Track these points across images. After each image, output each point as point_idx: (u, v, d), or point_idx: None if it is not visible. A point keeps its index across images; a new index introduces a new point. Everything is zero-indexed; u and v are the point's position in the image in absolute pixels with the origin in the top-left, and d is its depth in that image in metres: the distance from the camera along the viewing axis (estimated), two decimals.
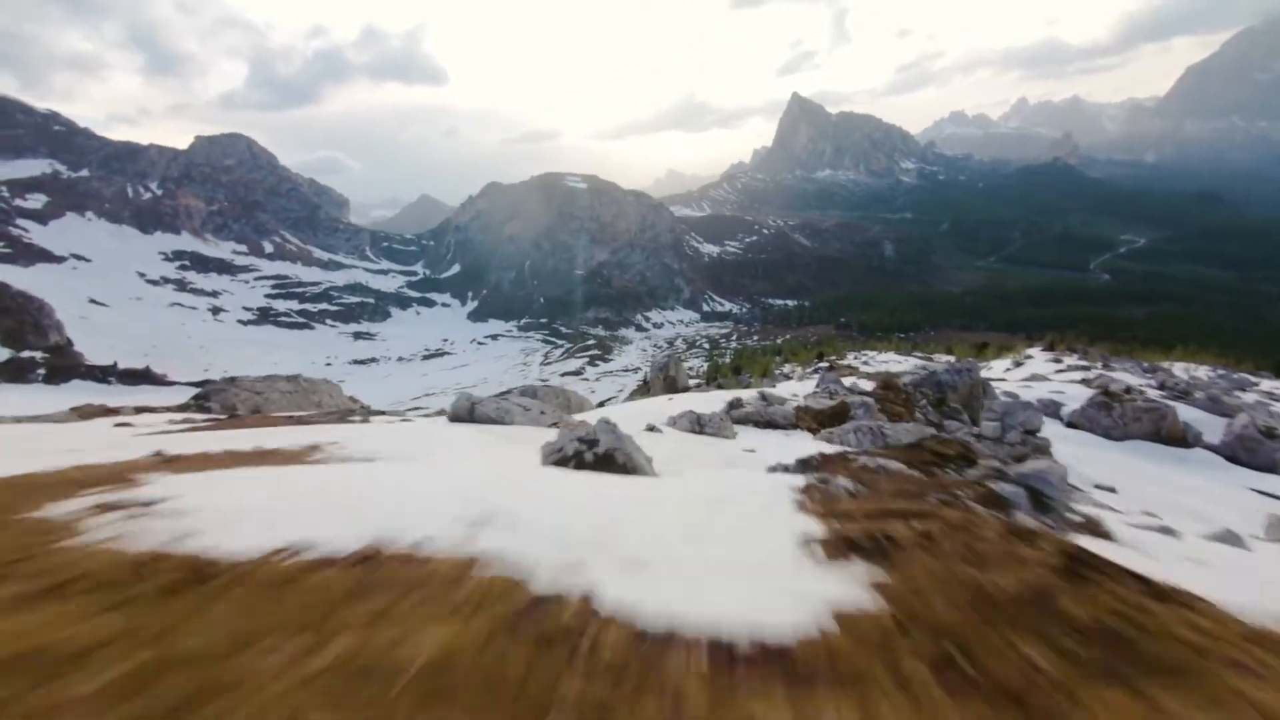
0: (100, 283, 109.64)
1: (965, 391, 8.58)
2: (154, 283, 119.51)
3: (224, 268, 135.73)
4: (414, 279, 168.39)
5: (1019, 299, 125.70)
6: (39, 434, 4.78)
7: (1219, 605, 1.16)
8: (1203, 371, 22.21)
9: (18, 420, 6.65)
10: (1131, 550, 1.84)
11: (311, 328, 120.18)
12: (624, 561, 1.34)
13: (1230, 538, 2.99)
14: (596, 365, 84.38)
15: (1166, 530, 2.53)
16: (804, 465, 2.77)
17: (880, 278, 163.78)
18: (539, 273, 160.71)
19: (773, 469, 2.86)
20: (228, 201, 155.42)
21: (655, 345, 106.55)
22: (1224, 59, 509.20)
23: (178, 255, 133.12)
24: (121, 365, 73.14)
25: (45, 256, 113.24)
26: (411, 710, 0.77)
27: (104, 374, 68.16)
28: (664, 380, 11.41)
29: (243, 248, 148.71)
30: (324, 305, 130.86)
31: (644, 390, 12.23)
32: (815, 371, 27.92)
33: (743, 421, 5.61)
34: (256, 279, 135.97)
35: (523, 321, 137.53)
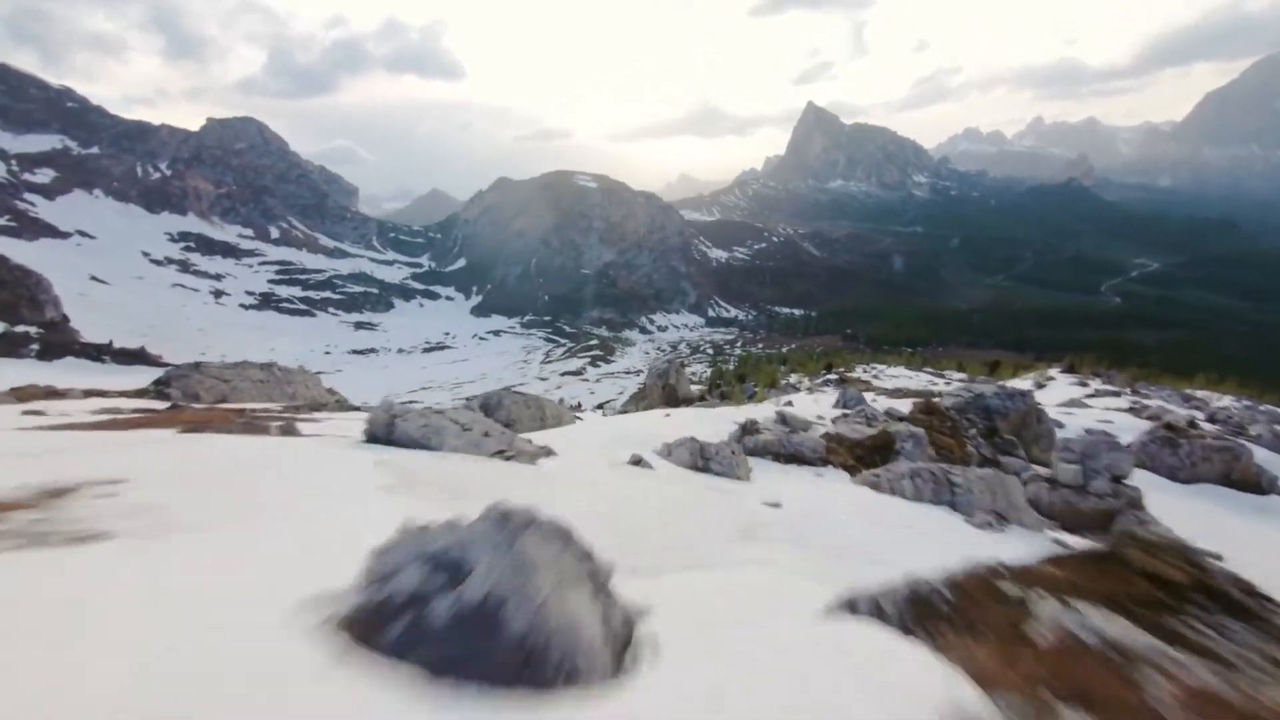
0: (103, 260, 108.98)
1: (1016, 420, 7.25)
2: (157, 263, 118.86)
3: (229, 251, 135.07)
4: (419, 271, 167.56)
5: (1028, 318, 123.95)
6: None
7: None
8: (1228, 401, 20.84)
9: None
10: None
11: (313, 315, 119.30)
12: None
13: None
14: (598, 366, 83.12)
15: None
16: (915, 602, 1.38)
17: (888, 291, 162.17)
18: (545, 270, 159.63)
19: (841, 606, 1.52)
20: (236, 185, 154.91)
21: (659, 348, 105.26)
22: (1244, 86, 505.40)
23: (183, 236, 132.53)
24: (117, 344, 72.26)
25: (50, 232, 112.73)
26: None
27: (98, 352, 67.23)
28: (663, 390, 10.10)
29: (249, 232, 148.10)
30: (327, 293, 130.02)
31: (641, 397, 10.87)
32: (825, 384, 26.58)
33: (759, 452, 4.32)
34: (261, 264, 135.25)
35: (526, 318, 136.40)
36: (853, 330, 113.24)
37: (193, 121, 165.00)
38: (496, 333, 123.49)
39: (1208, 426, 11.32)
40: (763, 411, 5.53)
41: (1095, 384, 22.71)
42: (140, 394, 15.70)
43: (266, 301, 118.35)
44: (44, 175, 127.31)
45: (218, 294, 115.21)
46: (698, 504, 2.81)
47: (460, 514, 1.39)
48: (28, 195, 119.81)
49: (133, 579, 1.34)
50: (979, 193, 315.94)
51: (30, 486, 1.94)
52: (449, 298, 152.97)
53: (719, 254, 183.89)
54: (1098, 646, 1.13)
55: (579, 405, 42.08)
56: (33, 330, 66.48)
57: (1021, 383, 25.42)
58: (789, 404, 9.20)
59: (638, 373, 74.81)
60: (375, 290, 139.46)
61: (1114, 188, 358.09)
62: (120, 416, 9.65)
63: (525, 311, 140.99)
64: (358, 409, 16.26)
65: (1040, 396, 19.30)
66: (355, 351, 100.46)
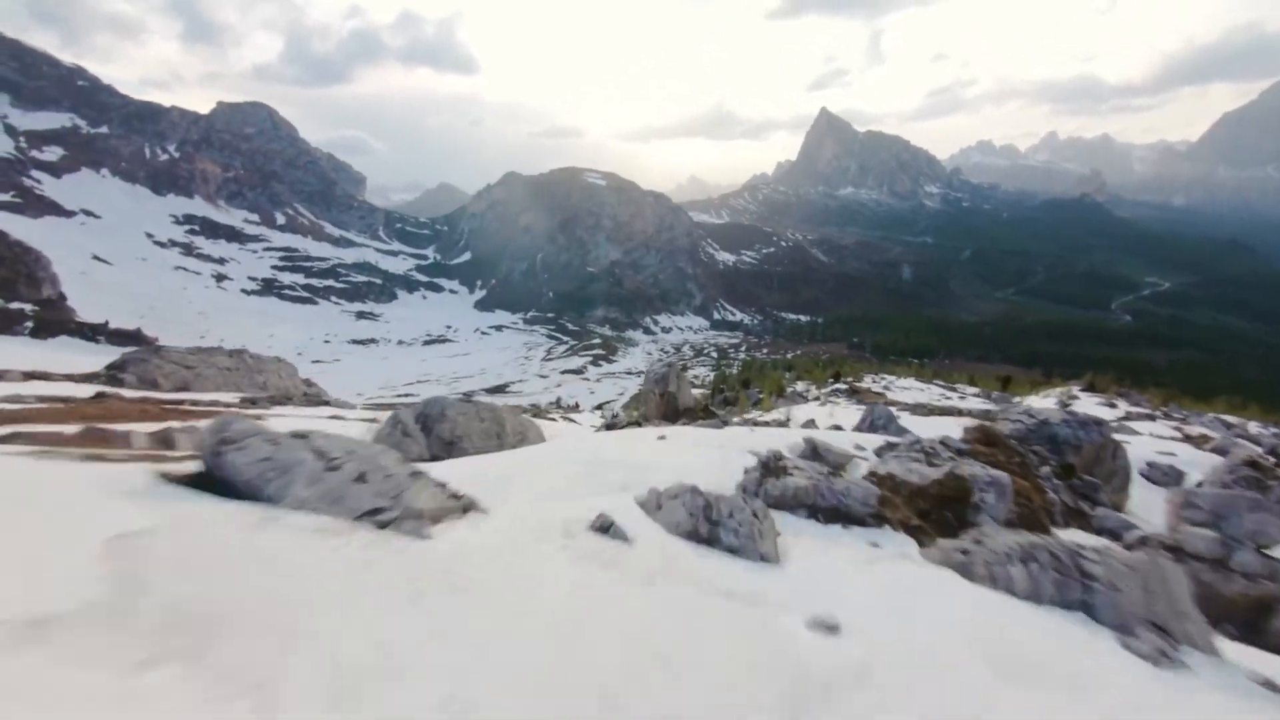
0: (107, 240, 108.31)
1: (1090, 455, 5.97)
2: (161, 245, 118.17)
3: (233, 235, 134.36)
4: (424, 263, 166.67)
5: (1038, 333, 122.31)
6: None
7: None
8: (1255, 428, 19.49)
9: None
10: None
11: (315, 303, 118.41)
12: None
13: None
14: (600, 365, 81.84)
15: None
16: None
17: (896, 300, 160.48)
18: (550, 266, 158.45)
19: None
20: (244, 169, 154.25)
21: (662, 349, 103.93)
22: (1262, 108, 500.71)
23: (188, 219, 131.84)
24: (113, 325, 71.28)
25: (55, 209, 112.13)
26: None
27: (93, 332, 66.24)
28: (660, 398, 8.79)
29: (254, 217, 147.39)
30: (330, 281, 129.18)
31: (638, 402, 9.53)
32: (834, 393, 25.24)
33: (787, 506, 3.05)
34: (265, 249, 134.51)
35: (529, 314, 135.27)
36: (859, 339, 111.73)
37: (205, 105, 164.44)
38: (499, 328, 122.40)
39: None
40: (786, 438, 4.24)
41: (1124, 405, 21.27)
42: (91, 378, 14.50)
43: (269, 287, 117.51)
44: (52, 153, 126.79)
45: (220, 278, 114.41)
46: (701, 639, 1.60)
47: None
48: (34, 172, 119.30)
49: None
50: (991, 205, 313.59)
51: None
52: (453, 291, 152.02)
53: (726, 257, 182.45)
54: None
55: (576, 405, 40.80)
56: (28, 308, 65.55)
57: (1042, 400, 24.00)
58: (811, 423, 7.88)
59: (639, 373, 73.47)
60: (379, 280, 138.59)
61: (1127, 205, 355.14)
62: (21, 407, 8.43)
63: (529, 307, 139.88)
64: (328, 403, 15.03)
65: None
66: (355, 341, 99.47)
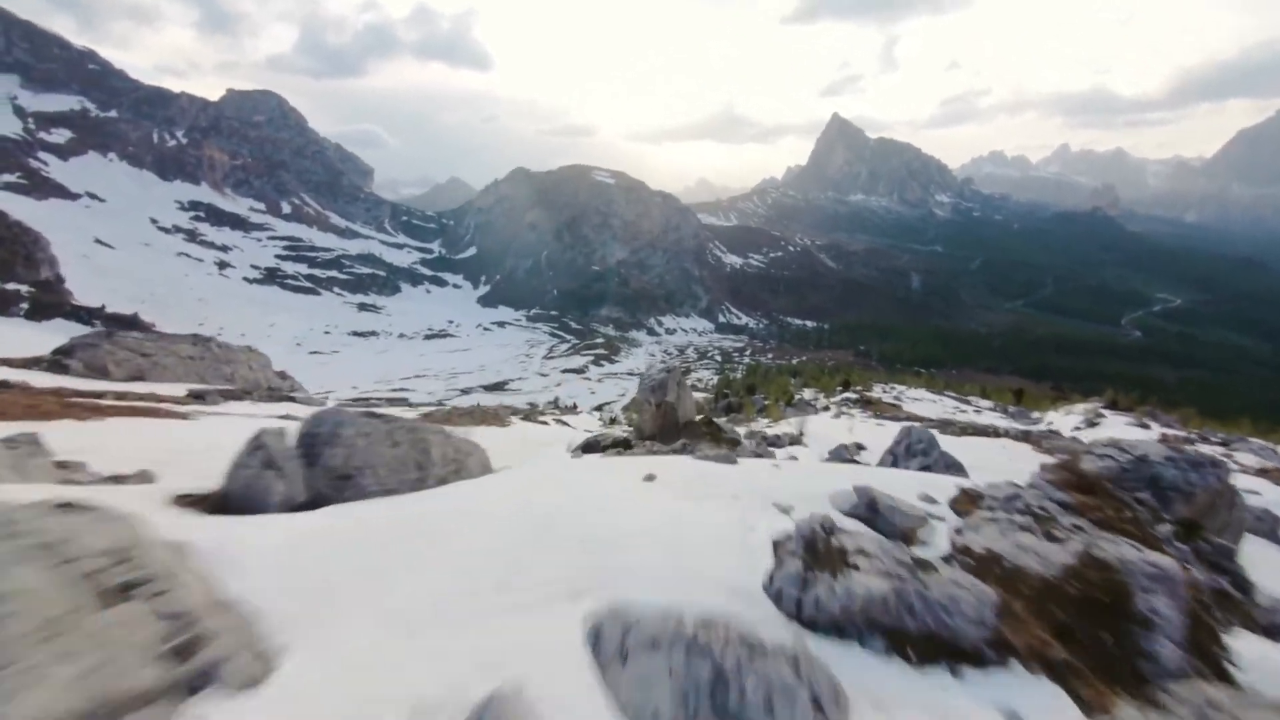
0: (110, 224, 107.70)
1: (1204, 504, 4.68)
2: (165, 230, 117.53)
3: (238, 223, 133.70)
4: (429, 257, 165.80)
5: (1047, 346, 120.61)
6: None
7: None
8: None
9: None
10: None
11: (317, 294, 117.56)
12: None
13: None
14: (601, 365, 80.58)
15: None
16: None
17: (904, 309, 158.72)
18: (556, 264, 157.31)
19: None
20: (252, 158, 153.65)
21: (665, 351, 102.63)
22: (1279, 125, 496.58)
23: (194, 205, 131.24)
24: (110, 309, 70.61)
25: (60, 192, 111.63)
26: None
27: (89, 315, 65.42)
28: (657, 410, 7.49)
29: (260, 205, 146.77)
30: (333, 272, 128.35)
31: (631, 414, 8.18)
32: (845, 402, 23.90)
33: (853, 627, 1.81)
34: (269, 238, 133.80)
35: (533, 312, 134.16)
36: (865, 347, 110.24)
37: (218, 93, 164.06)
38: (501, 324, 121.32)
39: None
40: (825, 481, 2.99)
41: (1157, 427, 19.83)
42: (34, 363, 13.34)
43: (271, 276, 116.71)
44: (60, 135, 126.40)
45: (223, 265, 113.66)
46: None
47: None
48: (41, 154, 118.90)
49: None
50: (1002, 216, 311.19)
51: None
52: (456, 285, 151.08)
53: (734, 260, 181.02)
54: None
55: (575, 406, 39.48)
56: (24, 289, 64.75)
57: (1065, 418, 22.59)
58: (847, 450, 6.58)
59: (642, 374, 72.14)
60: (383, 273, 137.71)
61: (1140, 220, 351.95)
62: None
63: (532, 305, 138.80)
64: (292, 399, 13.84)
65: (1092, 436, 16.46)
66: (355, 333, 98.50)
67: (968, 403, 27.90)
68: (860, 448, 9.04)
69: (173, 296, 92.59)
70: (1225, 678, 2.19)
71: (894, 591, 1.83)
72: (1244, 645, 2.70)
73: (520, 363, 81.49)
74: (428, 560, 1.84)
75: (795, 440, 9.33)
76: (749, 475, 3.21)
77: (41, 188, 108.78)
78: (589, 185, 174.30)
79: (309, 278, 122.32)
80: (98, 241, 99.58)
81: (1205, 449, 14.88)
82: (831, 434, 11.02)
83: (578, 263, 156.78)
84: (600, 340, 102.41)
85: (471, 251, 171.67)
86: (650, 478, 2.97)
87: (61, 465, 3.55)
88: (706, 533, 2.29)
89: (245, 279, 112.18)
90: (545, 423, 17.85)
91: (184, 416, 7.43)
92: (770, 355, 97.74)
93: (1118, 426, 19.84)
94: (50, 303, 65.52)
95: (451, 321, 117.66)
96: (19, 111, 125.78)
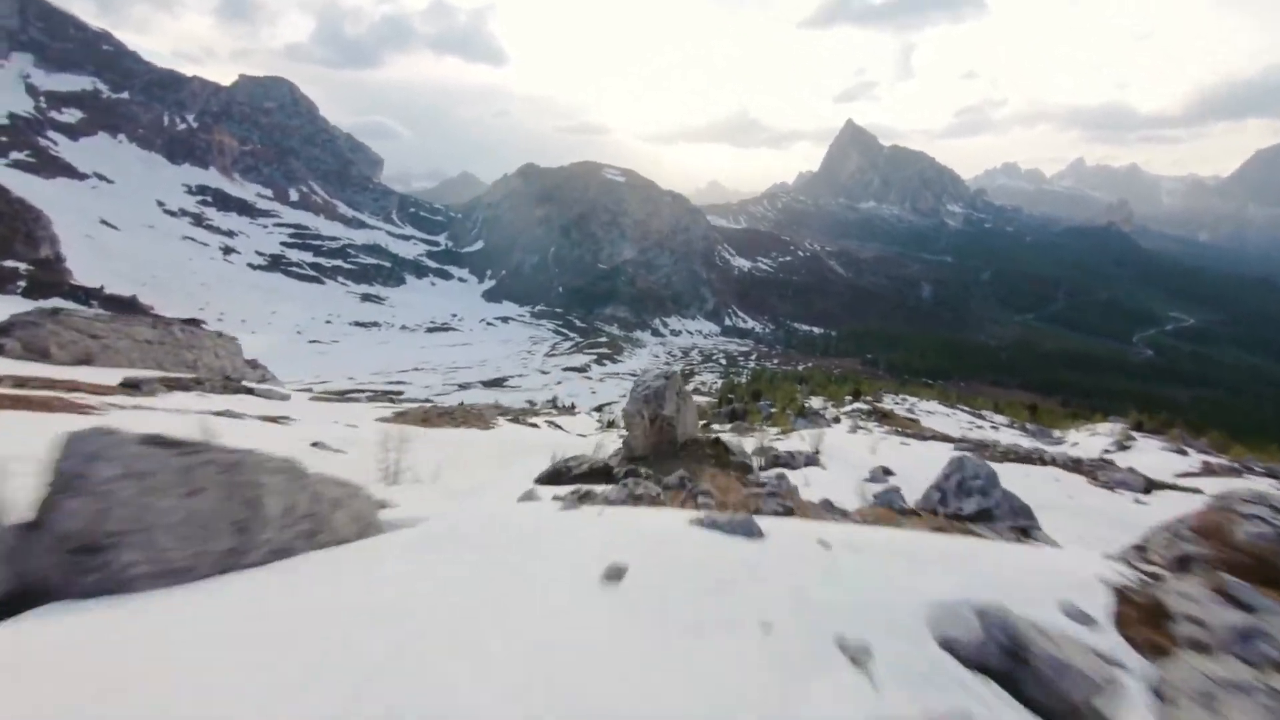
0: (116, 205, 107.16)
1: None
2: (171, 213, 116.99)
3: (245, 209, 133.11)
4: (435, 249, 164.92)
5: (1057, 360, 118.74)
6: None
7: None
8: None
9: None
10: None
11: (321, 282, 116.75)
12: None
13: None
14: (604, 364, 79.32)
15: None
16: None
17: (914, 318, 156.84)
18: (562, 260, 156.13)
19: None
20: (261, 144, 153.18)
21: (670, 353, 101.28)
22: None
23: (201, 190, 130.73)
24: (109, 290, 69.74)
25: (68, 171, 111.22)
26: None
27: (87, 296, 64.60)
28: (651, 424, 6.16)
29: (268, 192, 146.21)
30: (338, 261, 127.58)
31: (627, 424, 6.80)
32: (855, 412, 22.53)
33: None
34: (275, 225, 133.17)
35: (537, 308, 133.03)
36: (873, 355, 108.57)
37: (231, 79, 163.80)
38: (505, 319, 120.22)
39: None
40: (916, 579, 1.83)
41: (1195, 453, 18.27)
42: None
43: (275, 264, 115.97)
44: (70, 115, 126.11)
45: (227, 250, 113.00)
46: None
47: None
48: (51, 133, 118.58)
49: None
50: (1014, 228, 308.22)
51: None
52: (462, 279, 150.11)
53: (742, 263, 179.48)
54: None
55: (573, 406, 38.22)
56: (23, 266, 64.03)
57: (1091, 438, 20.98)
58: (885, 472, 5.33)
59: (635, 380, 70.81)
60: (388, 264, 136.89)
61: (1153, 237, 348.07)
62: None
63: (537, 301, 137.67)
64: (250, 391, 12.65)
65: (1126, 462, 14.95)
66: (357, 324, 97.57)
67: (982, 418, 26.45)
68: (888, 473, 7.74)
69: (175, 280, 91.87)
70: None
71: None
72: None
73: (522, 359, 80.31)
74: None
75: (811, 460, 8.06)
76: (784, 567, 1.92)
77: (49, 167, 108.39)
78: (599, 183, 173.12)
79: (314, 266, 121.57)
80: (103, 222, 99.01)
81: (1256, 477, 13.51)
82: (851, 451, 9.73)
83: (585, 260, 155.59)
84: (604, 339, 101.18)
85: (478, 245, 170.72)
86: (617, 573, 1.70)
87: None
88: None
89: (249, 265, 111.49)
90: (536, 425, 16.60)
91: (86, 410, 6.20)
92: (776, 360, 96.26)
93: (1152, 451, 18.30)
94: (48, 281, 64.79)
95: (455, 315, 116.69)
96: (31, 90, 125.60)
